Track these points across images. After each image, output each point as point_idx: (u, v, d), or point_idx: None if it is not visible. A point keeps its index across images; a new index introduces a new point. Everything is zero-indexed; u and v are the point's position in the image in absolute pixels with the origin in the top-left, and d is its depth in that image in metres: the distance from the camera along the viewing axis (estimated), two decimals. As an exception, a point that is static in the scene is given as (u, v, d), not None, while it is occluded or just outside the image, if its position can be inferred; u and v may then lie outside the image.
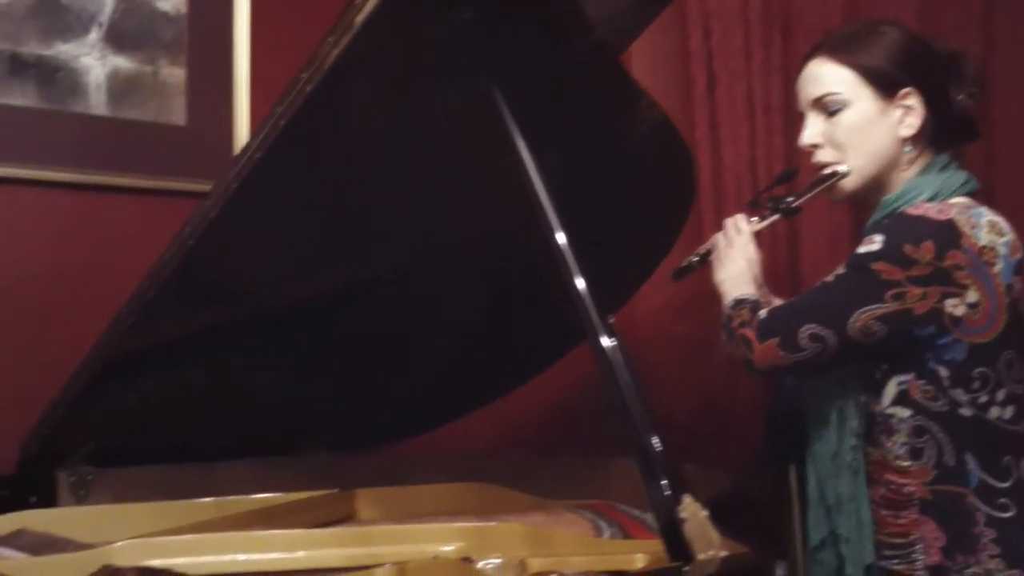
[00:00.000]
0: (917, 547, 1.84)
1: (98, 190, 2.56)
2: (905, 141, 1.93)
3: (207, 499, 2.20)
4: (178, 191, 2.63)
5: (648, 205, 2.26)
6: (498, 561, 1.78)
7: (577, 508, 2.23)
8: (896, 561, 1.86)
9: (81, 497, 2.26)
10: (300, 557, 1.88)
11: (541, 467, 2.50)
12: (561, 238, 1.70)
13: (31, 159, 2.48)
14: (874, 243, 1.83)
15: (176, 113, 2.66)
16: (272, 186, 1.86)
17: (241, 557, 1.87)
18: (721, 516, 1.55)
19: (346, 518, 2.28)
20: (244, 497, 2.23)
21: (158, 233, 2.36)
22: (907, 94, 1.92)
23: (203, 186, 2.51)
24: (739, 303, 1.98)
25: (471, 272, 2.30)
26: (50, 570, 1.65)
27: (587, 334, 1.64)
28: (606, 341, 1.64)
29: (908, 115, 1.92)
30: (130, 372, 2.08)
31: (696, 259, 2.13)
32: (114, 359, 2.02)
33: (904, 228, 1.83)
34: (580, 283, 1.67)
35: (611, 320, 1.64)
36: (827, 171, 1.97)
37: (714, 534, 1.54)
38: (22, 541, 1.96)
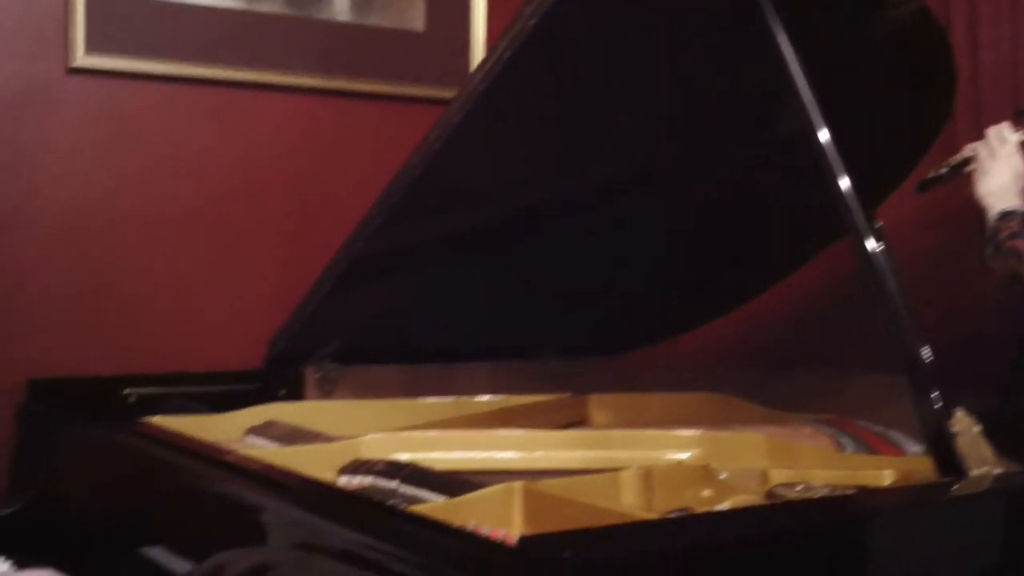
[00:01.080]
0: None
1: (339, 96, 2.61)
2: None
3: (446, 399, 2.25)
4: (414, 97, 2.66)
5: (904, 101, 2.13)
6: (739, 470, 1.76)
7: (814, 422, 2.17)
8: None
9: (326, 393, 2.34)
10: (538, 457, 1.91)
11: (773, 380, 2.44)
12: (824, 135, 1.62)
13: (278, 65, 2.54)
14: None
15: (415, 19, 2.68)
16: (517, 90, 1.84)
17: (482, 455, 1.91)
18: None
19: (579, 422, 2.29)
20: (480, 398, 2.27)
21: (395, 138, 2.42)
22: None
23: (438, 92, 2.55)
24: (1007, 215, 1.87)
25: (707, 184, 2.24)
26: (303, 459, 1.71)
27: (852, 237, 1.57)
28: (872, 244, 1.57)
29: None
30: (374, 273, 2.13)
31: (945, 170, 2.02)
32: (359, 261, 2.06)
33: None
34: (844, 182, 1.60)
35: (879, 223, 1.57)
36: None
37: (988, 450, 1.46)
38: (273, 432, 2.06)
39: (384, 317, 2.26)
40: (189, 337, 2.36)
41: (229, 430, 2.01)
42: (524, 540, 1.03)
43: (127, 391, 2.16)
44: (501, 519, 1.49)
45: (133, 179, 2.31)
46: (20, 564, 1.85)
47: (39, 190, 2.21)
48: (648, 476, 1.63)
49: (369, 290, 2.17)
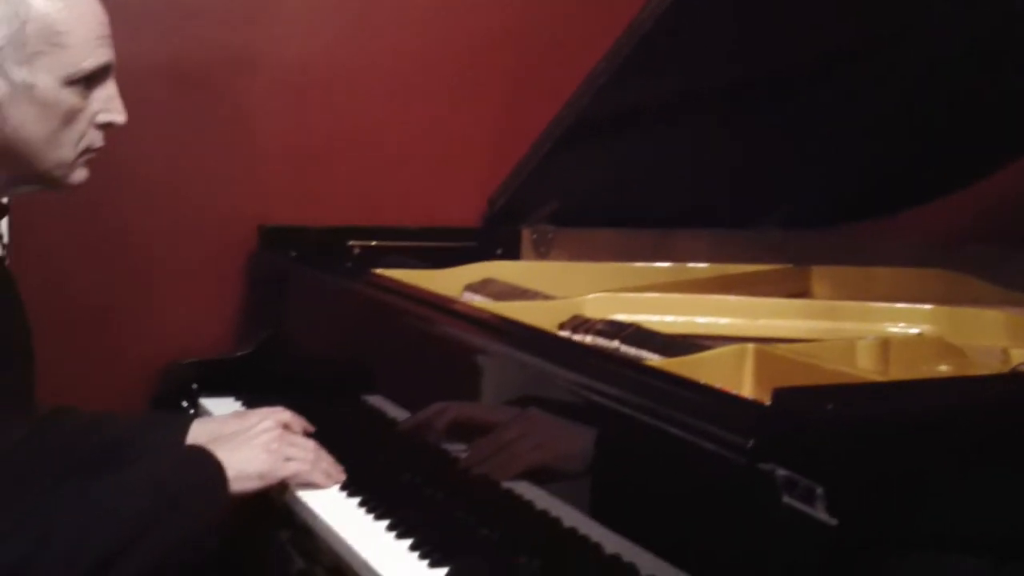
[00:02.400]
0: None
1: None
2: None
3: (663, 263, 2.22)
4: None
5: None
6: (978, 347, 1.68)
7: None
8: None
9: (542, 254, 2.35)
10: (761, 325, 1.86)
11: (1007, 260, 2.31)
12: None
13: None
14: None
15: None
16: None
17: (703, 319, 1.87)
18: None
19: (799, 295, 2.23)
20: (698, 265, 2.23)
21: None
22: None
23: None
24: None
25: (945, 46, 2.10)
26: (523, 313, 1.71)
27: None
28: None
29: None
30: (596, 133, 2.09)
31: None
32: (583, 119, 2.03)
33: None
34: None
35: None
36: None
37: None
38: (490, 289, 2.07)
39: (603, 179, 2.23)
40: (409, 191, 2.38)
41: (447, 286, 2.03)
42: (779, 392, 0.99)
43: (351, 243, 2.21)
44: (731, 381, 1.46)
45: (363, 29, 2.32)
46: (250, 404, 1.93)
47: (276, 39, 2.24)
48: (886, 345, 1.57)
49: (590, 150, 2.14)
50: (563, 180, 2.22)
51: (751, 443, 1.00)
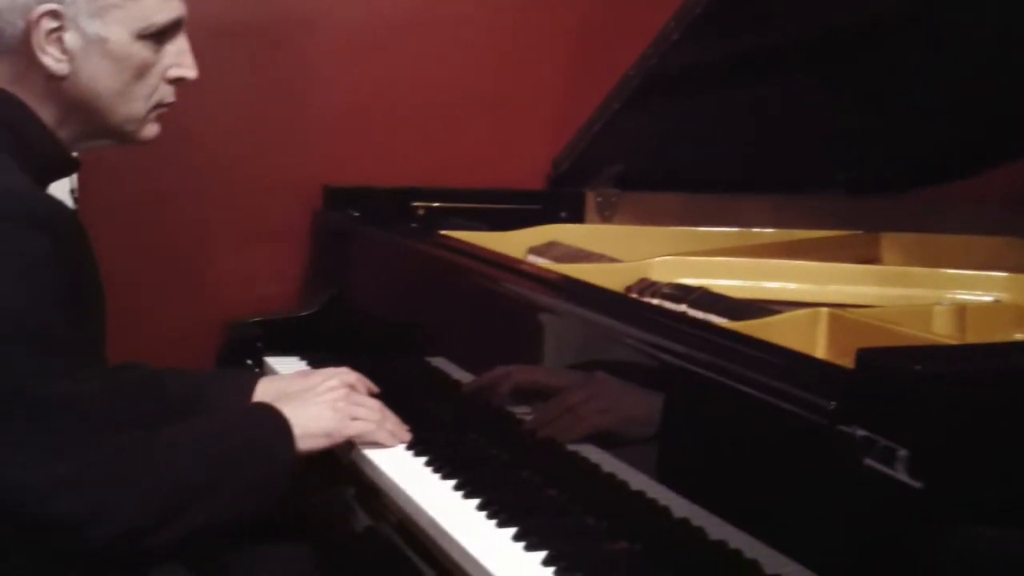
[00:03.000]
0: None
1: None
2: None
3: (728, 228, 2.19)
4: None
5: None
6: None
7: None
8: None
9: (606, 217, 2.33)
10: (831, 290, 1.83)
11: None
12: None
13: None
14: None
15: None
16: None
17: (772, 284, 1.85)
18: None
19: (868, 261, 2.19)
20: (764, 230, 2.20)
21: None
22: None
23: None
24: None
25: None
26: (589, 275, 1.70)
27: None
28: None
29: None
30: (664, 94, 2.06)
31: None
32: (651, 79, 2.00)
33: None
34: None
35: None
36: None
37: None
38: (554, 252, 2.06)
39: (669, 142, 2.20)
40: (473, 153, 2.37)
41: (511, 248, 2.01)
42: (862, 353, 0.97)
43: (415, 204, 2.20)
44: (804, 345, 1.44)
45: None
46: (314, 364, 1.94)
47: (340, -3, 2.24)
48: (962, 311, 1.54)
49: (657, 112, 2.11)
50: (628, 142, 2.20)
51: (833, 405, 0.98)
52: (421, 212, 2.20)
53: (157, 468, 1.35)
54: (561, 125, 2.31)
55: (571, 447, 1.43)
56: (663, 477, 1.26)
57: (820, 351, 1.46)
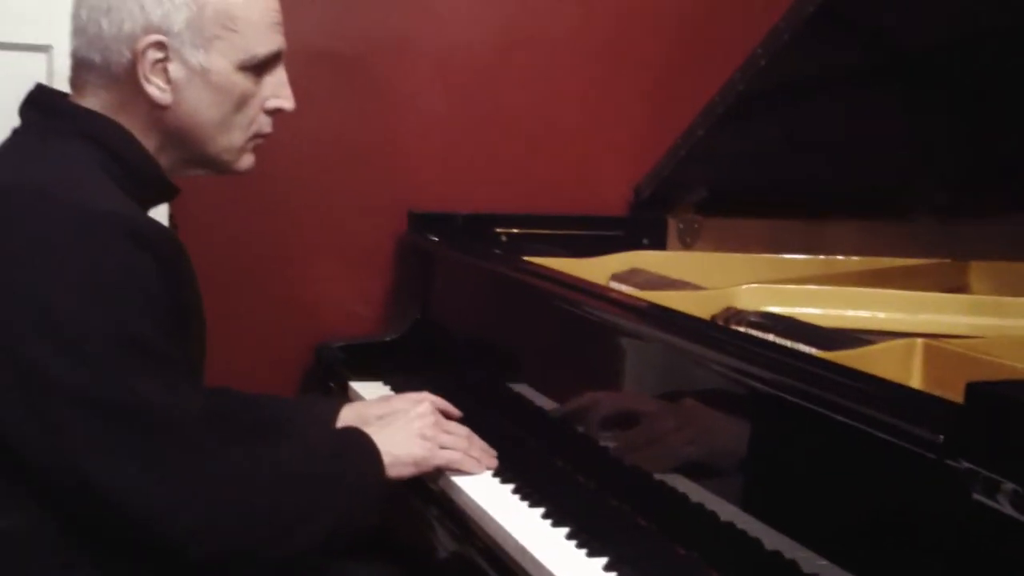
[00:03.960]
0: None
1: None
2: None
3: (813, 256, 2.17)
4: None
5: None
6: None
7: None
8: None
9: (688, 244, 2.32)
10: (922, 320, 1.80)
11: None
12: None
13: None
14: None
15: None
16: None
17: (863, 313, 1.82)
18: None
19: (957, 289, 2.15)
20: (850, 258, 2.18)
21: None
22: None
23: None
24: None
25: None
26: (674, 302, 1.69)
27: None
28: None
29: None
30: (750, 119, 2.05)
31: None
32: (737, 105, 1.99)
33: None
34: None
35: None
36: None
37: None
38: (637, 278, 2.05)
39: (753, 167, 2.18)
40: (556, 178, 2.37)
41: (593, 274, 2.00)
42: (972, 387, 0.95)
43: (498, 230, 2.21)
44: (898, 376, 1.41)
45: (511, 14, 2.31)
46: (396, 388, 1.94)
47: (428, 25, 2.25)
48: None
49: (741, 137, 2.10)
50: (712, 168, 2.19)
51: (942, 438, 0.96)
52: (504, 238, 2.21)
53: (263, 490, 1.36)
54: (643, 151, 2.31)
55: (659, 476, 1.42)
56: (753, 508, 1.25)
57: (915, 382, 1.43)
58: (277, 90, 1.49)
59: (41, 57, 1.92)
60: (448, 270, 2.13)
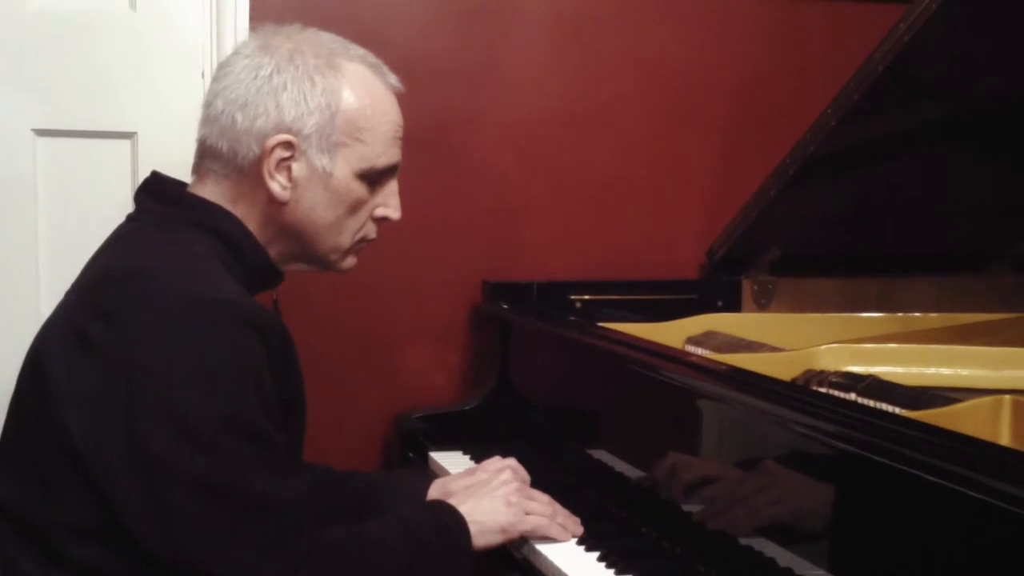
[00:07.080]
0: None
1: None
2: None
3: (890, 314, 2.16)
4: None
5: None
6: None
7: None
8: None
9: (762, 305, 2.31)
10: (1007, 376, 1.78)
11: None
12: None
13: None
14: None
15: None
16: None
17: (945, 371, 1.80)
18: None
19: (1039, 344, 2.12)
20: (928, 315, 2.17)
21: (842, 40, 2.32)
22: None
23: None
24: None
25: None
26: (754, 365, 1.68)
27: None
28: None
29: None
30: (821, 179, 2.05)
31: None
32: (808, 165, 1.99)
33: None
34: None
35: None
36: None
37: None
38: (713, 341, 2.04)
39: (826, 226, 2.19)
40: (628, 243, 2.38)
41: (669, 338, 2.01)
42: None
43: (572, 296, 2.22)
44: (986, 434, 1.40)
45: (581, 82, 2.34)
46: (476, 457, 1.95)
47: (499, 98, 2.28)
48: None
49: (813, 197, 2.10)
50: (785, 227, 2.19)
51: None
52: (578, 304, 2.22)
53: (362, 568, 1.38)
54: (714, 214, 2.31)
55: (744, 540, 1.40)
56: (841, 571, 1.23)
57: (1005, 439, 1.41)
58: (387, 199, 1.54)
59: (125, 144, 1.99)
60: (524, 338, 2.14)
